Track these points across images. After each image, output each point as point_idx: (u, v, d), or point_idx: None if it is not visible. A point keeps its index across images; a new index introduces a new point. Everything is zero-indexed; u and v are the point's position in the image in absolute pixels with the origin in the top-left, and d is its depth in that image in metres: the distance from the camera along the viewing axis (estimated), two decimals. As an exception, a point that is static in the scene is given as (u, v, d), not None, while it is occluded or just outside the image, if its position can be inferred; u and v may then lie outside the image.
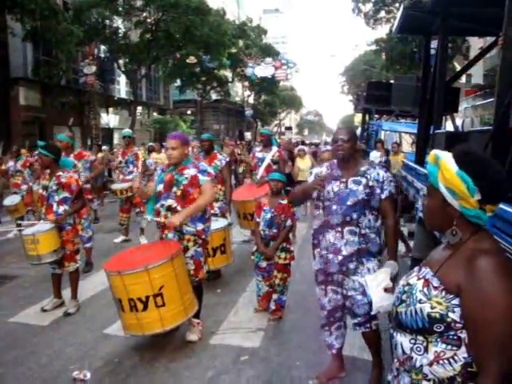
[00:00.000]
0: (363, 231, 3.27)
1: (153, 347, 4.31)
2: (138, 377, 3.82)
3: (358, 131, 19.84)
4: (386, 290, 2.24)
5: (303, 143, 17.64)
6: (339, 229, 3.29)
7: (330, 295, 3.49)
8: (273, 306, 4.83)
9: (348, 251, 3.28)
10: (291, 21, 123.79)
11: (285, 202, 4.77)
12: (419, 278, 1.61)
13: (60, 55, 27.69)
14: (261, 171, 7.12)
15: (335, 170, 3.38)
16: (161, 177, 4.40)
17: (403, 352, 1.59)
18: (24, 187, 9.48)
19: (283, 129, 67.27)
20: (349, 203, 3.24)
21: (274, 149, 7.43)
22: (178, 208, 4.22)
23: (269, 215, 4.70)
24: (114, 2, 29.62)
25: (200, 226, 4.30)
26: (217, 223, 5.83)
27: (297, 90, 75.50)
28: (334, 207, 3.30)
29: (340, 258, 3.30)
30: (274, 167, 7.09)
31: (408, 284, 1.64)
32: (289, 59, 42.41)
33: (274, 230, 4.69)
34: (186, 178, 4.25)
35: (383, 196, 3.28)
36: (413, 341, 1.56)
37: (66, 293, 5.45)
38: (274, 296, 4.81)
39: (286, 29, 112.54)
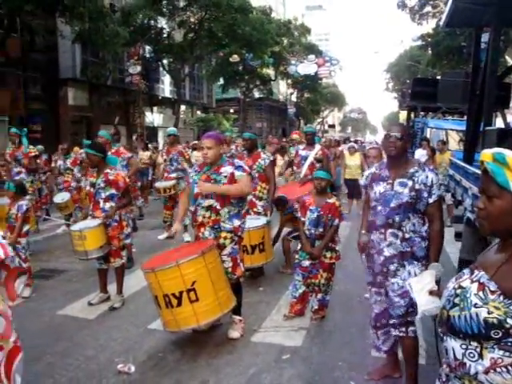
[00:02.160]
0: (407, 235, 3.19)
1: (195, 343, 4.35)
2: (180, 371, 3.87)
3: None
4: (430, 292, 2.16)
5: (350, 141, 17.39)
6: (382, 230, 3.25)
7: (374, 297, 3.47)
8: (316, 306, 4.78)
9: (390, 253, 3.23)
10: (334, 17, 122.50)
11: (332, 200, 4.71)
12: (473, 281, 1.53)
13: (107, 56, 28.45)
14: (304, 169, 7.08)
15: (383, 171, 3.31)
16: (197, 178, 4.42)
17: (455, 357, 1.53)
18: (73, 184, 9.76)
19: (326, 127, 66.75)
20: (392, 205, 3.17)
21: (318, 147, 7.36)
22: (218, 207, 4.24)
23: (315, 214, 4.64)
24: (159, 4, 30.11)
25: (236, 223, 4.31)
26: (256, 221, 5.83)
27: (340, 87, 74.64)
28: (379, 208, 3.24)
29: (382, 258, 3.26)
30: (318, 165, 7.03)
31: (460, 287, 1.57)
32: (332, 56, 42.02)
33: (320, 230, 4.63)
34: (225, 176, 4.26)
35: (431, 200, 3.16)
36: (464, 346, 1.49)
37: (112, 288, 5.58)
38: (319, 296, 4.76)
39: (329, 25, 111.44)
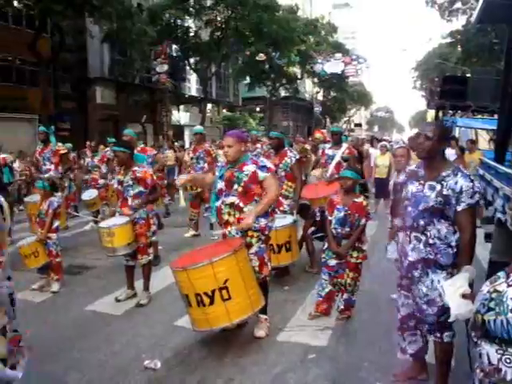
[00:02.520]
0: (431, 241, 3.05)
1: (221, 341, 4.36)
2: (206, 369, 3.88)
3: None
4: (463, 296, 2.10)
5: (377, 140, 17.18)
6: (408, 232, 3.17)
7: (402, 299, 3.40)
8: (342, 306, 4.74)
9: (413, 257, 3.14)
10: (361, 15, 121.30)
11: (359, 200, 4.66)
12: (509, 285, 1.49)
13: (134, 55, 28.75)
14: (331, 169, 7.03)
15: (420, 170, 3.20)
16: (221, 173, 4.42)
17: (490, 363, 1.49)
18: (101, 182, 9.91)
19: (353, 125, 66.19)
20: (420, 208, 3.07)
21: (344, 146, 7.29)
22: (241, 205, 4.24)
23: (342, 213, 4.60)
24: (186, 3, 30.31)
25: (263, 222, 4.29)
26: (282, 220, 5.81)
27: (367, 85, 73.94)
28: (409, 209, 3.16)
29: (407, 262, 3.19)
30: (344, 165, 6.97)
31: (496, 291, 1.52)
32: (359, 55, 41.58)
33: (347, 229, 4.59)
34: (247, 174, 4.24)
35: (459, 208, 2.96)
36: (501, 351, 1.45)
37: (139, 284, 5.63)
38: (345, 295, 4.72)
39: (356, 23, 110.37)
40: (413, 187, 3.17)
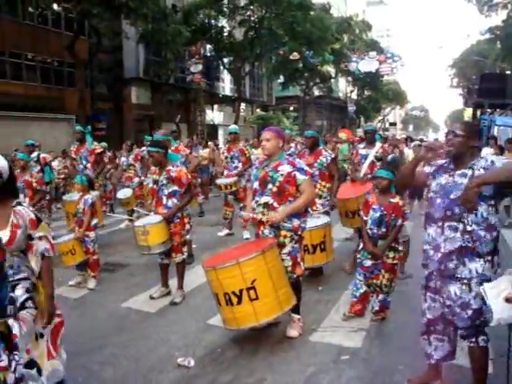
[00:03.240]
0: (469, 227, 2.96)
1: (253, 340, 4.36)
2: (238, 367, 3.89)
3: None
4: (507, 300, 2.03)
5: (411, 139, 16.92)
6: (440, 224, 3.06)
7: (428, 302, 3.28)
8: (376, 307, 4.67)
9: (447, 249, 3.03)
10: (396, 12, 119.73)
11: (395, 200, 4.58)
12: None
13: (169, 55, 29.11)
14: (364, 168, 6.94)
15: (449, 163, 3.16)
16: (256, 174, 4.44)
17: None
18: (136, 180, 10.06)
19: (387, 124, 65.32)
20: (452, 197, 3.00)
21: (378, 145, 7.19)
22: (275, 204, 4.23)
23: (378, 214, 4.54)
24: (219, 3, 30.49)
25: (296, 222, 4.27)
26: (317, 220, 5.78)
27: (402, 84, 72.77)
28: (438, 201, 3.09)
29: (439, 255, 3.07)
30: (378, 164, 6.88)
31: None
32: (394, 53, 40.98)
33: (383, 229, 4.52)
34: (282, 174, 4.23)
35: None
36: None
37: (173, 282, 5.69)
38: (380, 296, 4.65)
39: (391, 21, 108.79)
40: (441, 179, 3.12)
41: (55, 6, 22.85)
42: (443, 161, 3.23)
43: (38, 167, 8.09)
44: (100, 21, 22.43)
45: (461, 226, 2.98)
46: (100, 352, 4.23)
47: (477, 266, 2.96)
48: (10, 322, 2.60)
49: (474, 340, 3.08)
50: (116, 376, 3.85)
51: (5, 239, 2.62)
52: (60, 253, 5.99)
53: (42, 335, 2.79)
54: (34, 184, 7.11)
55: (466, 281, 2.99)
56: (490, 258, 2.98)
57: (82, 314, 5.19)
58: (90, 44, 26.73)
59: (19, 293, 2.73)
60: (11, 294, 2.65)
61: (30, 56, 25.69)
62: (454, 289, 3.03)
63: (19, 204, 2.78)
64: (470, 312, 2.99)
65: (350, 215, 6.33)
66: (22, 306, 2.71)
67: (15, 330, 2.62)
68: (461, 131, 3.06)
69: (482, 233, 2.96)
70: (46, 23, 26.26)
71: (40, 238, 2.78)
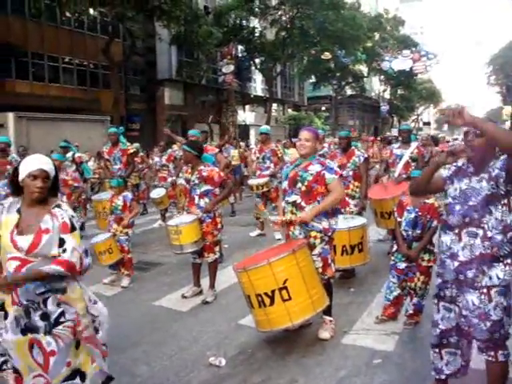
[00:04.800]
0: (489, 233, 2.78)
1: (285, 341, 4.34)
2: (269, 368, 3.87)
3: (507, 125, 18.16)
4: None
5: (433, 139, 16.50)
6: (456, 231, 2.87)
7: (442, 312, 3.05)
8: (410, 310, 4.58)
9: (466, 257, 2.82)
10: (430, 8, 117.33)
11: (430, 201, 4.49)
12: None
13: (201, 56, 29.39)
14: (399, 168, 6.84)
15: (469, 166, 2.94)
16: (285, 174, 4.42)
17: None
18: (169, 180, 10.17)
19: (421, 124, 64.25)
20: (471, 203, 2.83)
21: (413, 145, 7.07)
22: (303, 204, 4.21)
23: (412, 215, 4.45)
24: (251, 3, 30.60)
25: (325, 223, 4.24)
26: (355, 221, 5.73)
27: (436, 82, 71.45)
28: (457, 207, 2.89)
29: (456, 264, 2.87)
30: (413, 165, 6.77)
31: None
32: (428, 50, 40.24)
33: (418, 231, 4.43)
34: (311, 174, 4.21)
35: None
36: None
37: (205, 282, 5.72)
38: (414, 300, 4.57)
39: (425, 18, 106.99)
40: (461, 184, 2.92)
41: (91, 11, 23.37)
42: (461, 162, 3.03)
43: (74, 167, 8.25)
44: (134, 23, 22.83)
45: (481, 232, 2.80)
46: (133, 349, 4.29)
47: (497, 271, 2.79)
48: (48, 339, 2.59)
49: (492, 354, 2.86)
50: (149, 373, 3.89)
51: (26, 245, 2.57)
52: (97, 252, 6.11)
53: (78, 343, 2.72)
54: (70, 182, 7.27)
55: (485, 290, 2.81)
56: (509, 261, 2.81)
57: (116, 312, 5.23)
58: (124, 46, 27.23)
59: (52, 308, 2.62)
60: (44, 310, 2.61)
61: (67, 59, 26.37)
62: (471, 298, 2.84)
63: (58, 206, 2.70)
64: (488, 324, 2.80)
65: (386, 216, 6.26)
66: (57, 322, 2.62)
67: (52, 346, 2.60)
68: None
69: (500, 236, 2.79)
70: (82, 27, 26.91)
71: (64, 251, 2.63)
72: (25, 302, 2.60)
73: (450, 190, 2.98)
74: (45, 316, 2.60)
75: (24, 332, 2.63)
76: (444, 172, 3.09)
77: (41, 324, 2.60)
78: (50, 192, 2.72)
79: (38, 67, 24.92)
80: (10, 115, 15.72)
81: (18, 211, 2.69)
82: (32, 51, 24.36)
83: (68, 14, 24.75)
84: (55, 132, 15.70)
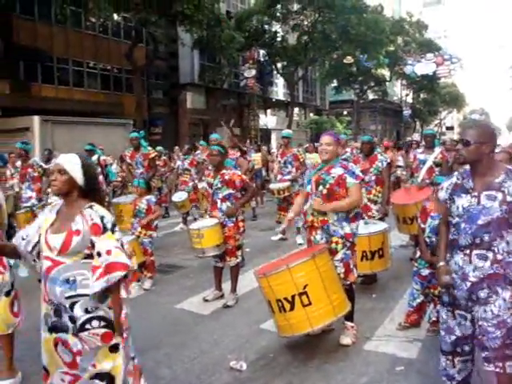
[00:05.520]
0: (499, 256, 2.68)
1: (306, 346, 4.33)
2: (291, 374, 3.87)
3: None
4: None
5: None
6: (467, 251, 2.77)
7: (458, 320, 2.92)
8: (433, 317, 4.52)
9: (477, 277, 2.73)
10: (454, 12, 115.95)
11: None
12: None
13: (223, 61, 29.55)
14: (422, 174, 6.76)
15: (466, 180, 2.83)
16: (309, 177, 4.43)
17: None
18: (191, 184, 10.23)
19: (444, 129, 63.46)
20: (480, 222, 2.70)
21: (437, 150, 6.99)
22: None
23: (437, 221, 4.39)
24: (273, 8, 30.69)
25: (347, 228, 4.23)
26: (375, 226, 5.68)
27: (460, 86, 70.52)
28: (463, 226, 2.77)
29: (468, 284, 2.76)
30: (437, 170, 6.70)
31: None
32: (452, 54, 39.75)
33: None
34: (333, 177, 4.22)
35: None
36: None
37: (226, 285, 5.74)
38: (437, 307, 4.50)
39: (449, 21, 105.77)
40: (463, 201, 2.79)
41: (115, 16, 23.72)
42: (454, 178, 2.92)
43: (98, 169, 8.33)
44: (157, 28, 23.09)
45: (491, 255, 2.70)
46: (155, 351, 4.32)
47: (510, 293, 2.70)
48: (74, 340, 2.61)
49: (500, 365, 2.74)
50: (171, 375, 3.91)
51: (58, 245, 2.59)
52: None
53: (116, 347, 2.70)
54: None
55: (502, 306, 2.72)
56: None
57: (138, 314, 5.27)
58: (147, 51, 27.54)
59: (78, 313, 2.60)
60: (71, 313, 2.61)
61: (91, 64, 26.78)
62: (490, 308, 2.74)
63: (90, 207, 2.69)
64: (504, 331, 2.71)
65: (409, 221, 6.19)
66: (82, 328, 2.61)
67: (78, 347, 2.61)
68: (471, 138, 2.75)
69: (511, 259, 2.71)
70: (106, 32, 27.32)
71: (99, 254, 2.60)
72: (55, 302, 2.63)
73: (453, 209, 2.86)
74: (72, 319, 2.62)
75: (51, 331, 2.67)
76: (442, 194, 2.96)
77: (70, 325, 2.62)
78: (87, 193, 2.75)
79: (63, 72, 25.36)
80: (36, 119, 16.00)
81: (57, 211, 2.75)
82: (57, 56, 24.81)
83: (92, 20, 25.17)
84: (79, 135, 15.91)
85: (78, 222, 2.64)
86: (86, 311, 2.61)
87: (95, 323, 2.63)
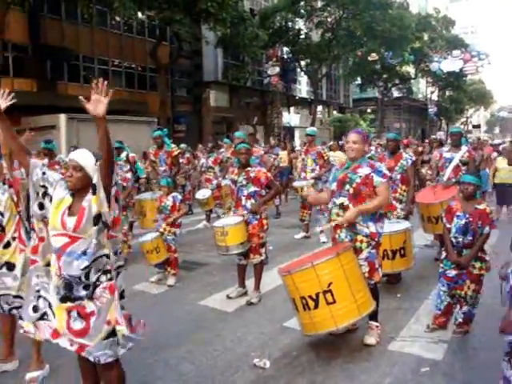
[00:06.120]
0: None
1: (329, 346, 4.31)
2: (313, 373, 3.85)
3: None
4: None
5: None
6: None
7: None
8: (460, 319, 4.44)
9: None
10: (482, 7, 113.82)
11: (481, 206, 4.32)
12: None
13: (246, 58, 29.56)
14: (448, 172, 6.66)
15: None
16: (335, 176, 4.38)
17: None
18: (214, 182, 10.28)
19: (470, 127, 62.39)
20: None
21: (464, 149, 6.87)
22: (350, 206, 4.16)
23: (463, 221, 4.31)
24: (296, 5, 30.58)
25: (372, 227, 4.18)
26: (397, 225, 5.62)
27: (487, 83, 69.20)
28: None
29: None
30: (463, 169, 6.58)
31: None
32: (480, 50, 39.00)
33: (469, 238, 4.28)
34: (360, 176, 4.17)
35: None
36: None
37: (249, 283, 5.75)
38: (464, 308, 4.42)
39: (476, 17, 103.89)
40: None
41: (140, 15, 23.93)
42: None
43: (128, 166, 8.42)
44: (181, 27, 23.22)
45: None
46: (178, 347, 4.35)
47: None
48: (89, 303, 2.79)
49: None
50: (194, 372, 3.93)
51: (72, 225, 2.74)
52: (144, 251, 6.24)
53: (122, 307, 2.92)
54: (119, 182, 7.46)
55: None
56: None
57: (162, 310, 5.37)
58: (171, 49, 27.73)
59: (92, 277, 2.80)
60: (86, 282, 2.80)
61: (116, 62, 27.08)
62: None
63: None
64: None
65: (434, 221, 6.11)
66: (95, 287, 2.81)
67: (92, 307, 2.80)
68: None
69: None
70: (131, 31, 27.59)
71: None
72: (67, 277, 2.78)
73: None
74: (86, 286, 2.79)
75: (63, 300, 2.83)
76: None
77: (83, 293, 2.80)
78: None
79: (89, 70, 25.70)
80: (62, 117, 16.25)
81: (72, 195, 2.87)
82: (83, 55, 25.15)
83: (117, 19, 25.43)
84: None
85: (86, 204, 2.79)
86: (98, 271, 2.82)
87: (103, 278, 2.84)
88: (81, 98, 2.75)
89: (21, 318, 3.10)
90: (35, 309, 3.00)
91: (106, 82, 2.72)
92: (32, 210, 3.15)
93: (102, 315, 2.80)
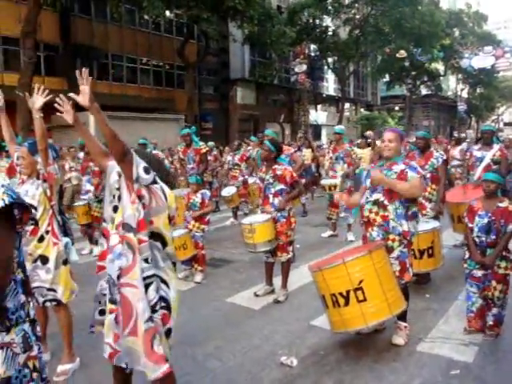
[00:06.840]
0: None
1: (357, 345, 4.28)
2: (341, 372, 3.83)
3: None
4: None
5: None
6: None
7: None
8: (490, 321, 4.34)
9: None
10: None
11: (504, 205, 4.22)
12: None
13: (273, 56, 29.51)
14: (479, 171, 6.54)
15: None
16: (369, 172, 4.35)
17: None
18: (240, 179, 10.30)
19: (501, 125, 61.02)
20: None
21: (496, 147, 6.72)
22: (385, 202, 4.12)
23: (485, 220, 4.22)
24: (324, 2, 30.37)
25: (405, 226, 4.13)
26: (425, 224, 5.54)
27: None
28: None
29: None
30: (494, 168, 6.45)
31: None
32: (513, 46, 38.03)
33: (493, 237, 4.20)
34: (395, 172, 4.14)
35: None
36: None
37: (276, 281, 5.75)
38: (493, 310, 4.32)
39: (510, 11, 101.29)
40: None
41: (168, 13, 24.15)
42: None
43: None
44: (208, 25, 23.34)
45: None
46: (205, 344, 4.39)
47: None
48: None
49: None
50: (221, 368, 3.96)
51: (135, 224, 2.70)
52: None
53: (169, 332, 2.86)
54: None
55: None
56: None
57: (189, 307, 5.40)
58: (198, 47, 27.90)
59: (151, 295, 2.73)
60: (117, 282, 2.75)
61: (144, 60, 27.39)
62: None
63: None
64: None
65: (463, 220, 5.99)
66: (153, 309, 2.73)
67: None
68: None
69: None
70: (159, 29, 27.87)
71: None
72: (109, 278, 2.82)
73: None
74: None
75: (110, 302, 2.85)
76: None
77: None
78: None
79: (118, 68, 26.06)
80: (91, 114, 16.53)
81: None
82: (112, 53, 25.51)
83: (146, 17, 25.71)
84: (132, 130, 16.34)
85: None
86: (157, 291, 2.77)
87: (163, 303, 2.81)
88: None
89: (91, 325, 3.11)
90: (102, 312, 3.00)
91: (87, 70, 2.71)
92: (106, 213, 3.04)
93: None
